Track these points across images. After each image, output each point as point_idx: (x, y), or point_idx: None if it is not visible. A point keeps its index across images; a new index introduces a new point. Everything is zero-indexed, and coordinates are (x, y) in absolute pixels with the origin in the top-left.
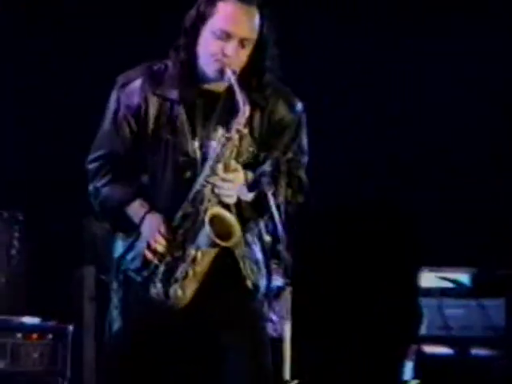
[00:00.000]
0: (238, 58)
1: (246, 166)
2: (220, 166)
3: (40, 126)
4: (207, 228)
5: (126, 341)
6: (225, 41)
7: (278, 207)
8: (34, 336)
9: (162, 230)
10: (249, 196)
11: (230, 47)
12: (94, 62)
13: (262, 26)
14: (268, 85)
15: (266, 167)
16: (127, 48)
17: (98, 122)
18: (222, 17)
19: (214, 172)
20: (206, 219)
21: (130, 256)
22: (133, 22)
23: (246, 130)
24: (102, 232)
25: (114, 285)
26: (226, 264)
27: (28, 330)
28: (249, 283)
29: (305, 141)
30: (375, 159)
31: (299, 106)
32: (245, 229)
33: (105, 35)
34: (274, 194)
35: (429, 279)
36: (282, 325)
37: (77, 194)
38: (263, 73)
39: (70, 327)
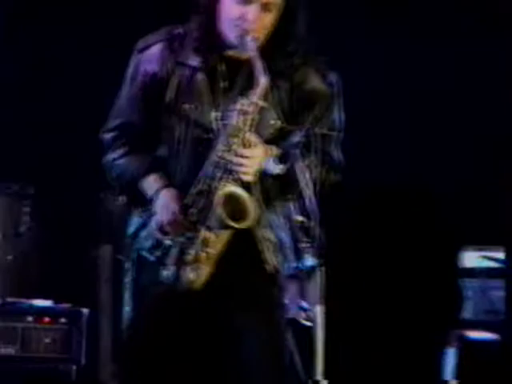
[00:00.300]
0: (262, 23)
1: (271, 141)
2: (236, 141)
3: (53, 96)
4: (218, 208)
5: (138, 324)
6: (246, 4)
7: (308, 181)
8: (46, 320)
9: (174, 208)
10: (277, 169)
11: (252, 11)
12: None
13: None
14: (296, 53)
15: (297, 138)
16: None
17: (114, 92)
18: None
19: (229, 147)
20: (217, 199)
21: (143, 234)
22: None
23: (263, 103)
24: (118, 208)
25: (127, 264)
26: (244, 246)
27: (40, 313)
28: (268, 266)
29: (339, 115)
30: (411, 138)
31: (333, 76)
32: (268, 208)
33: None
34: (305, 168)
35: (472, 259)
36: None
37: (92, 166)
38: (290, 40)
39: (85, 310)
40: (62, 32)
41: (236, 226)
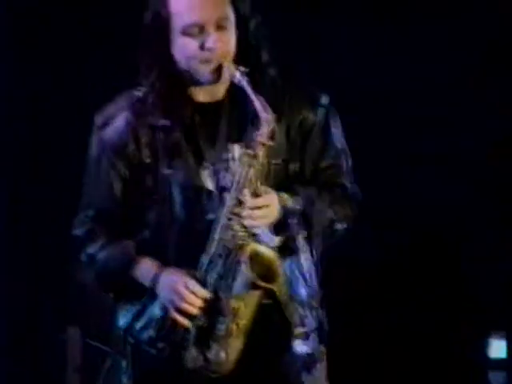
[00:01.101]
0: (226, 44)
1: (279, 185)
2: (246, 192)
3: None
4: (245, 269)
5: None
6: (200, 35)
7: (310, 253)
8: None
9: (192, 286)
10: (273, 241)
11: (210, 38)
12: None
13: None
14: (269, 62)
15: (294, 205)
16: None
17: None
18: (181, 9)
19: (239, 201)
20: (243, 259)
21: (139, 325)
22: None
23: (271, 142)
24: (90, 283)
25: (123, 363)
26: (268, 312)
27: None
28: (300, 329)
29: (340, 139)
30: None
31: (324, 98)
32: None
33: None
34: (306, 238)
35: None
36: None
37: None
38: (254, 49)
39: None
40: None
41: (268, 286)
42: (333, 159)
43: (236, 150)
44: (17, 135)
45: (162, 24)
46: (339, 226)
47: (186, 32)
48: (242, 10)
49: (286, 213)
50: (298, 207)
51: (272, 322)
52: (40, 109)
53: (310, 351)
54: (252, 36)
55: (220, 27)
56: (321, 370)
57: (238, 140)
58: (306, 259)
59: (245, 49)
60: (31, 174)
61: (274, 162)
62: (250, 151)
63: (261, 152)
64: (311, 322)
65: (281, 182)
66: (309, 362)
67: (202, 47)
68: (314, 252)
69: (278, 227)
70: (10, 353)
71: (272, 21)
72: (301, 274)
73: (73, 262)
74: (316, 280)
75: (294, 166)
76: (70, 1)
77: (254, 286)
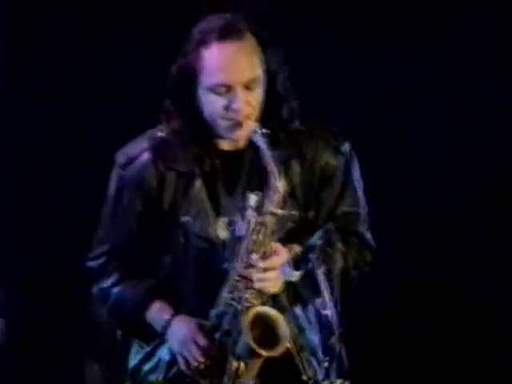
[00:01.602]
0: (251, 105)
1: (292, 233)
2: (255, 256)
3: None
4: (245, 336)
5: None
6: (227, 94)
7: (330, 288)
8: None
9: (201, 342)
10: (293, 276)
11: (236, 99)
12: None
13: (264, 53)
14: (292, 115)
15: (314, 240)
16: None
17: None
18: (211, 67)
19: (248, 264)
20: (244, 324)
21: (147, 367)
22: None
23: (282, 212)
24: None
25: None
26: (277, 361)
27: None
28: (305, 377)
29: (359, 187)
30: None
31: (346, 145)
32: (294, 311)
33: None
34: (326, 273)
35: None
36: None
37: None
38: (281, 104)
39: None
40: None
41: (267, 354)
42: (351, 206)
43: (252, 199)
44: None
45: (190, 78)
46: (354, 274)
47: (213, 90)
48: (273, 65)
49: (306, 248)
50: (318, 243)
51: (278, 368)
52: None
53: None
54: (279, 90)
55: (248, 88)
56: None
57: (256, 188)
58: (326, 292)
59: (270, 102)
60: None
61: (290, 213)
62: (259, 219)
63: (269, 219)
64: (320, 371)
65: (295, 229)
66: None
67: (227, 108)
68: (334, 289)
69: (299, 262)
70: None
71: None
72: (317, 316)
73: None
74: (336, 316)
75: (311, 214)
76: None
77: (255, 354)
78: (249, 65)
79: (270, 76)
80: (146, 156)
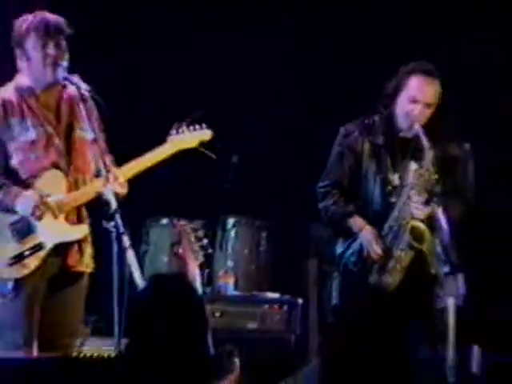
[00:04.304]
0: (423, 116)
1: (429, 191)
2: (414, 193)
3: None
4: (407, 235)
5: (342, 313)
6: (415, 103)
7: (445, 220)
8: (275, 306)
9: (378, 242)
10: (425, 211)
11: (418, 109)
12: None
13: (442, 94)
14: (445, 132)
15: (436, 189)
16: None
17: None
18: (413, 87)
19: (409, 198)
20: (407, 229)
21: (348, 253)
22: None
23: (432, 168)
24: (325, 235)
25: (335, 273)
26: (418, 258)
27: (270, 301)
28: (432, 270)
29: (473, 172)
30: None
31: (467, 146)
32: (433, 233)
33: None
34: (443, 211)
35: None
36: (446, 299)
37: (305, 204)
38: (443, 128)
39: (300, 300)
40: None
41: (419, 246)
42: (466, 182)
43: (412, 166)
44: None
45: (401, 87)
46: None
47: (409, 99)
48: (443, 101)
49: (432, 194)
50: (437, 191)
51: (418, 262)
52: None
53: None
54: (440, 116)
55: (427, 106)
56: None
57: (416, 160)
58: (444, 222)
59: (435, 119)
60: None
61: (432, 178)
62: (420, 171)
63: (426, 173)
64: (445, 270)
65: (431, 190)
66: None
67: (411, 111)
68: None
69: (426, 203)
70: None
71: None
72: (441, 240)
73: (314, 223)
74: (450, 239)
75: (440, 182)
76: None
77: (410, 247)
78: (433, 94)
79: (440, 107)
80: (356, 133)
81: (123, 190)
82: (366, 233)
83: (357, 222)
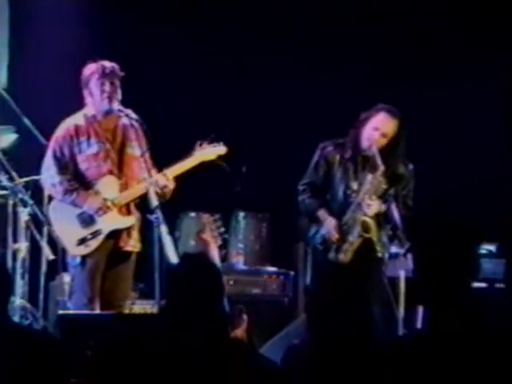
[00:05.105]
0: (379, 142)
1: (381, 196)
2: (367, 197)
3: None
4: (359, 227)
5: (317, 277)
6: (375, 131)
7: (398, 213)
8: (274, 277)
9: (337, 229)
10: (383, 207)
11: (376, 135)
12: None
13: (398, 129)
14: (396, 155)
15: (391, 192)
16: None
17: None
18: (378, 120)
19: (363, 199)
20: (359, 223)
21: (317, 237)
22: None
23: (381, 179)
24: (305, 223)
25: (309, 251)
26: (367, 244)
27: (270, 273)
28: (379, 254)
29: (412, 186)
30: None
31: (411, 167)
32: (380, 227)
33: None
34: (395, 207)
35: None
36: (399, 272)
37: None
38: (395, 153)
39: (292, 273)
40: None
41: (366, 235)
42: (407, 192)
43: (369, 176)
44: None
45: (368, 119)
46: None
47: (372, 128)
48: (398, 136)
49: (388, 196)
50: (392, 194)
51: (367, 247)
52: None
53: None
54: (394, 145)
55: (383, 135)
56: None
57: (372, 173)
58: (396, 214)
59: (390, 146)
60: None
61: (384, 186)
62: (373, 180)
63: (376, 181)
64: (398, 250)
65: (382, 194)
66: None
67: (371, 137)
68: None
69: (384, 202)
70: None
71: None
72: (394, 226)
73: (300, 217)
74: (401, 224)
75: (390, 190)
76: None
77: (360, 235)
78: (391, 128)
79: (395, 139)
80: (330, 148)
81: (170, 186)
82: (328, 222)
83: (323, 213)
